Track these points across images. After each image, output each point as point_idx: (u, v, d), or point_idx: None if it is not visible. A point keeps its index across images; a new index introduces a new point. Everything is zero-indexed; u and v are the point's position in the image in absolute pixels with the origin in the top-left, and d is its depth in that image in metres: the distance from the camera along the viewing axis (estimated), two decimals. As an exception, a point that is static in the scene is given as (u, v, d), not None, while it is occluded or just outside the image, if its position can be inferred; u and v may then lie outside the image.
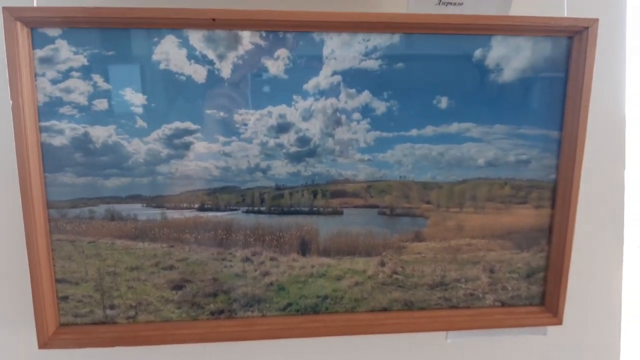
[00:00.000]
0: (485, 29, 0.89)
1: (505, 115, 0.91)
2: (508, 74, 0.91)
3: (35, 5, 0.82)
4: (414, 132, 0.90)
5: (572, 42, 0.91)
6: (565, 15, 0.93)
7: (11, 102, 0.81)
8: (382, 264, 0.94)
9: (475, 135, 0.92)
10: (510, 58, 0.90)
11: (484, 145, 0.92)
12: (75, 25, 0.82)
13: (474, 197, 0.94)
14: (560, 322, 1.00)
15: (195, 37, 0.84)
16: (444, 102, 0.90)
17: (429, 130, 0.91)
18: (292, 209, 0.91)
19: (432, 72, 0.89)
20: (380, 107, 0.89)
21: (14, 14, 0.79)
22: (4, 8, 0.79)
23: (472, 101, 0.90)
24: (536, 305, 1.00)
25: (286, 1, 0.95)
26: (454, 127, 0.91)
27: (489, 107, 0.91)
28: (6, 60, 0.80)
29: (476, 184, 0.93)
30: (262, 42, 0.86)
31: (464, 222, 0.94)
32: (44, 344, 0.89)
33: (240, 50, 0.86)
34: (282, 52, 0.86)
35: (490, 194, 0.94)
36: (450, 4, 0.96)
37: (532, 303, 1.00)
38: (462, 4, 0.96)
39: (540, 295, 1.00)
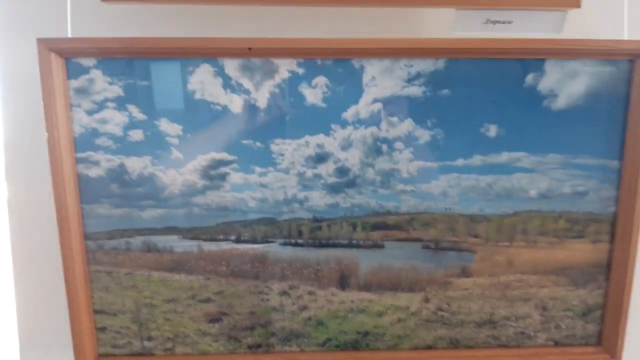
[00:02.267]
0: (538, 53, 0.83)
1: (560, 144, 0.85)
2: (563, 100, 0.84)
3: (69, 35, 0.81)
4: (460, 161, 0.85)
5: (634, 66, 0.83)
6: (626, 37, 0.86)
7: (47, 134, 0.80)
8: (426, 300, 0.89)
9: (526, 165, 0.85)
10: (565, 83, 0.84)
11: (536, 175, 0.86)
12: (109, 55, 0.80)
13: (525, 231, 0.87)
14: (618, 364, 0.92)
15: (231, 66, 0.82)
16: (492, 130, 0.84)
17: (477, 159, 0.85)
18: (331, 241, 0.88)
19: (480, 98, 0.84)
20: (423, 135, 0.85)
21: (49, 45, 0.78)
22: (38, 40, 0.78)
23: (523, 129, 0.85)
24: (592, 345, 0.93)
25: (324, 26, 0.91)
26: (504, 156, 0.85)
27: (541, 136, 0.85)
28: (41, 92, 0.79)
29: (528, 217, 0.87)
30: (299, 70, 0.82)
31: (514, 257, 0.88)
32: (81, 375, 0.88)
33: (277, 79, 0.82)
34: (320, 80, 0.83)
35: (543, 227, 0.87)
36: (499, 22, 0.90)
37: (588, 343, 0.93)
38: (512, 22, 0.90)
39: (597, 335, 0.93)
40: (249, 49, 0.79)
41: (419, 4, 0.87)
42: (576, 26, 0.89)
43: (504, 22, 0.90)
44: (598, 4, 0.90)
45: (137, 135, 0.83)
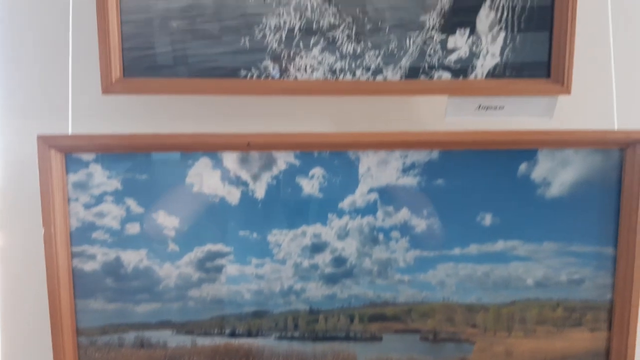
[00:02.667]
0: (530, 144, 0.84)
1: (555, 232, 0.86)
2: (556, 189, 0.86)
3: (70, 129, 0.82)
4: (456, 250, 0.85)
5: (624, 154, 0.85)
6: (616, 125, 0.88)
7: (43, 229, 0.80)
8: (426, 392, 0.87)
9: (522, 253, 0.86)
10: (558, 172, 0.85)
11: (532, 264, 0.86)
12: (109, 151, 0.81)
13: (523, 320, 0.87)
14: None
15: (230, 159, 0.83)
16: (488, 219, 0.85)
17: (473, 248, 0.86)
18: (328, 334, 0.86)
19: (475, 187, 0.85)
20: (420, 224, 0.85)
21: (49, 143, 0.79)
22: (38, 137, 0.79)
23: (518, 218, 0.86)
24: None
25: (320, 120, 0.93)
26: (500, 245, 0.86)
27: (536, 224, 0.86)
28: (39, 188, 0.80)
29: (525, 305, 0.87)
30: (296, 162, 0.83)
31: (513, 347, 0.87)
32: None
33: (275, 170, 0.83)
34: (317, 171, 0.84)
35: (541, 316, 0.87)
36: (490, 108, 0.92)
37: None
38: (503, 107, 0.92)
39: None
40: (248, 144, 0.80)
41: (412, 93, 0.89)
42: (566, 111, 0.91)
43: (495, 108, 0.92)
44: (588, 92, 0.93)
45: (133, 228, 0.83)
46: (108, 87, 0.83)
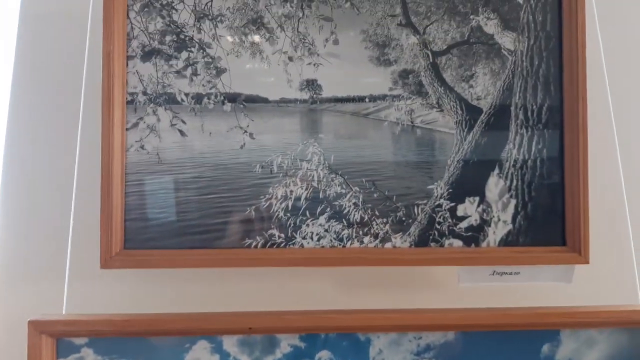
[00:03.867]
0: (550, 325, 0.79)
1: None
2: (584, 372, 0.79)
3: (64, 309, 0.78)
4: None
5: (655, 335, 0.79)
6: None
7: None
8: None
9: None
10: (583, 352, 0.79)
11: None
12: (102, 335, 0.76)
13: None
14: None
15: (230, 342, 0.77)
16: (512, 407, 0.78)
17: None
18: None
19: (495, 370, 0.78)
20: (437, 413, 0.78)
21: (40, 328, 0.74)
22: (29, 322, 0.74)
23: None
24: None
25: (326, 298, 0.89)
26: None
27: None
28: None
29: None
30: (301, 344, 0.78)
31: None
32: None
33: (278, 354, 0.78)
34: (324, 354, 0.78)
35: None
36: (506, 273, 0.88)
37: None
38: (519, 273, 0.88)
39: None
40: (250, 328, 0.76)
41: (423, 263, 0.86)
42: (585, 277, 0.87)
43: (511, 273, 0.88)
44: (606, 259, 0.89)
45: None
46: (107, 262, 0.80)
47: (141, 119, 0.83)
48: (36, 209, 0.93)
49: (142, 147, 0.83)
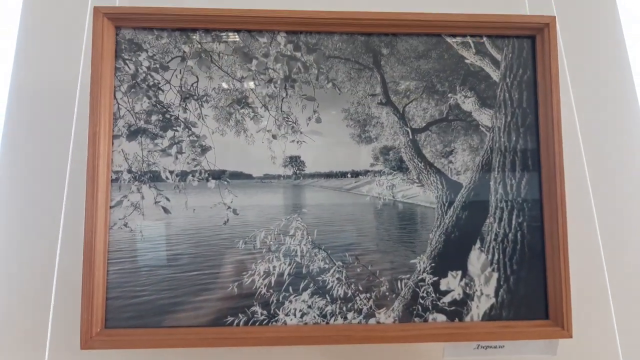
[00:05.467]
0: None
1: None
2: None
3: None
4: None
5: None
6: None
7: None
8: None
9: None
10: None
11: None
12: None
13: None
14: None
15: None
16: None
17: None
18: None
19: None
20: None
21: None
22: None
23: None
24: None
25: None
26: None
27: None
28: None
29: None
30: None
31: None
32: None
33: None
34: None
35: None
36: (490, 347, 0.88)
37: None
38: (504, 347, 0.88)
39: None
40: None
41: (407, 340, 0.85)
42: (569, 351, 0.86)
43: (495, 347, 0.87)
44: (590, 334, 0.89)
45: None
46: (87, 342, 0.79)
47: (125, 196, 0.84)
48: (18, 286, 0.92)
49: (125, 224, 0.84)
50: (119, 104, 0.86)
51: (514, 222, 0.87)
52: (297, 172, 0.87)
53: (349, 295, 0.85)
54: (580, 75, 1.00)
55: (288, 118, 0.87)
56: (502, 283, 0.86)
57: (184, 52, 0.87)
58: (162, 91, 0.86)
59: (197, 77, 0.87)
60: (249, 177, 0.87)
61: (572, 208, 0.85)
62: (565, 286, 0.84)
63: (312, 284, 0.84)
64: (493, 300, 0.86)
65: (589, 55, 1.03)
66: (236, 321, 0.83)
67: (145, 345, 0.80)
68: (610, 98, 1.03)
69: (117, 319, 0.81)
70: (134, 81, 0.86)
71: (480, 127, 0.89)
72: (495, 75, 0.90)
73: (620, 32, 1.06)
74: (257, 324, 0.83)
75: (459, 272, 0.86)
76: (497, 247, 0.86)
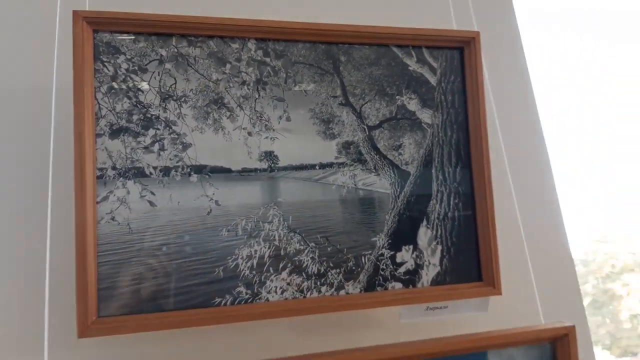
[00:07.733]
0: (478, 348, 0.96)
1: None
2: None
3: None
4: None
5: (555, 347, 1.00)
6: (542, 319, 1.04)
7: None
8: None
9: None
10: (505, 368, 0.97)
11: None
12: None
13: None
14: None
15: (211, 396, 0.84)
16: (455, 423, 0.92)
17: None
18: None
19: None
20: None
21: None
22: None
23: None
24: None
25: (289, 339, 0.99)
26: None
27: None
28: None
29: None
30: (277, 390, 0.86)
31: None
32: None
33: (256, 402, 0.85)
34: (297, 397, 0.87)
35: None
36: (437, 308, 1.05)
37: None
38: (447, 307, 1.05)
39: None
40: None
41: (371, 306, 0.99)
42: (499, 307, 1.06)
43: (440, 308, 1.05)
44: (515, 292, 1.10)
45: None
46: (84, 331, 0.83)
47: (111, 192, 0.89)
48: (11, 282, 0.92)
49: (112, 218, 0.88)
50: (99, 104, 0.90)
51: (451, 203, 1.05)
52: (272, 165, 0.97)
53: (322, 271, 0.97)
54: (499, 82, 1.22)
55: (261, 117, 0.97)
56: (444, 254, 1.03)
57: (162, 55, 0.93)
58: (142, 92, 0.92)
59: (175, 79, 0.94)
60: (228, 171, 0.95)
61: (496, 190, 1.05)
62: (494, 253, 1.03)
63: (289, 264, 0.95)
64: (438, 268, 1.03)
65: (504, 65, 1.26)
66: (223, 301, 0.91)
67: (140, 329, 0.85)
68: (516, 100, 1.26)
69: (110, 307, 0.86)
70: (113, 82, 0.91)
71: (423, 124, 1.06)
72: (433, 80, 1.07)
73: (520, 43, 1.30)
74: (243, 302, 0.92)
75: (411, 247, 1.02)
76: (439, 224, 1.04)
